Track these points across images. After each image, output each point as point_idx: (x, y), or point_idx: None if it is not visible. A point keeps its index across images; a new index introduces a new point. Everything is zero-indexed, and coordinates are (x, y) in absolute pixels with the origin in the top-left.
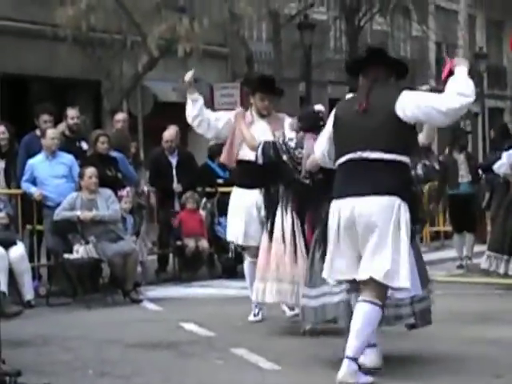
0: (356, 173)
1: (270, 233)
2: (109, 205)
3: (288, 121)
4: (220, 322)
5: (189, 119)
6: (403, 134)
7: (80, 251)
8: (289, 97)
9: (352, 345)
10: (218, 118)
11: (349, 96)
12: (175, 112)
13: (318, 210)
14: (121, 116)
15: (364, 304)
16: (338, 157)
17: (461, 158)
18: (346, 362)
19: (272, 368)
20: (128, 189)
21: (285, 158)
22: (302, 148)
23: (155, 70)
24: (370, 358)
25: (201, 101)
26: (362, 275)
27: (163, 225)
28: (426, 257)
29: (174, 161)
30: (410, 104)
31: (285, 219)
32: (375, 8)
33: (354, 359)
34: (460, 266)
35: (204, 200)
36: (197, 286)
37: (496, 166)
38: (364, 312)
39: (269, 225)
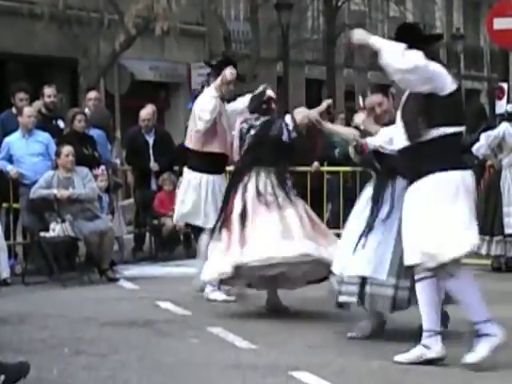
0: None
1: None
2: (85, 183)
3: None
4: (196, 301)
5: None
6: None
7: (56, 229)
8: (266, 77)
9: None
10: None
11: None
12: (152, 91)
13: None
14: (92, 94)
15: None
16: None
17: None
18: None
19: (248, 347)
20: (103, 167)
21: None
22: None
23: (132, 49)
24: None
25: None
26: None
27: (140, 204)
28: None
29: (150, 140)
30: None
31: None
32: None
33: None
34: None
35: (181, 179)
36: (173, 266)
37: (475, 148)
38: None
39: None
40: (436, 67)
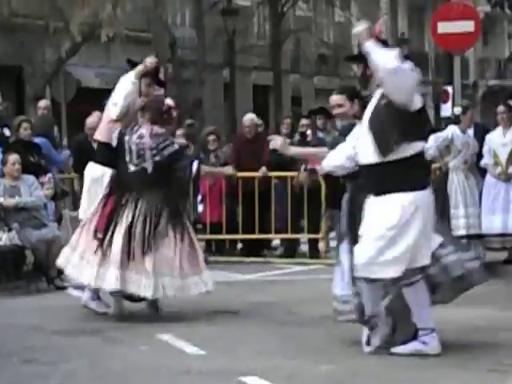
0: None
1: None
2: (32, 191)
3: None
4: (145, 307)
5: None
6: None
7: (3, 238)
8: (213, 83)
9: None
10: None
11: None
12: (98, 98)
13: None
14: (43, 103)
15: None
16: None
17: None
18: None
19: (197, 353)
20: (50, 175)
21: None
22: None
23: (78, 56)
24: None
25: None
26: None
27: None
28: None
29: None
30: None
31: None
32: None
33: None
34: None
35: None
36: None
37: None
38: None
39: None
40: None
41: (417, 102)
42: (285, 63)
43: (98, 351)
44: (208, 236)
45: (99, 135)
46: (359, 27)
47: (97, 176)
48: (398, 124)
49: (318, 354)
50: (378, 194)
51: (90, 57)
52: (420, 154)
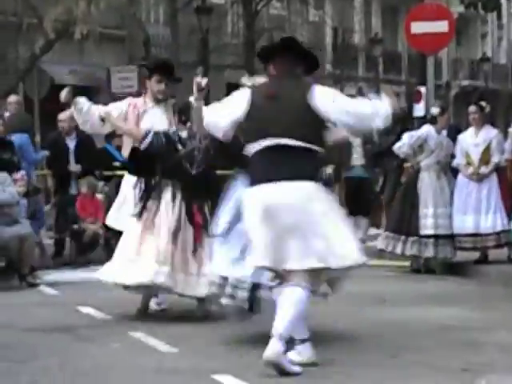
0: (276, 159)
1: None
2: (4, 188)
3: None
4: (117, 305)
5: (80, 126)
6: (318, 125)
7: None
8: (186, 81)
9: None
10: (108, 112)
11: (260, 81)
12: (72, 95)
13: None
14: (13, 98)
15: (294, 288)
16: (253, 142)
17: (357, 141)
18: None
19: (169, 351)
20: (23, 172)
21: (179, 147)
22: (194, 138)
23: (52, 53)
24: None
25: (85, 105)
26: (293, 265)
27: (60, 208)
28: None
29: (71, 144)
30: (336, 109)
31: (163, 207)
32: None
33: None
34: None
35: (102, 183)
36: (93, 270)
37: (396, 146)
38: (294, 295)
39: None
40: None
41: None
42: (258, 62)
43: (69, 349)
44: None
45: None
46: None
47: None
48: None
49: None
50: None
51: (64, 54)
52: None
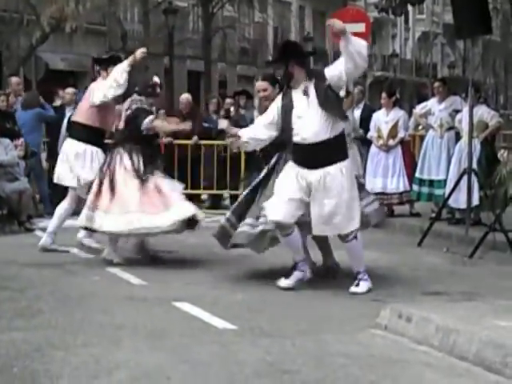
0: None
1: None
2: (7, 151)
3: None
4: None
5: None
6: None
7: None
8: (155, 68)
9: None
10: None
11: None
12: (63, 78)
13: None
14: (15, 79)
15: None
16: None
17: None
18: None
19: (140, 283)
20: (22, 139)
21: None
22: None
23: (47, 44)
24: None
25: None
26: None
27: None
28: None
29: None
30: (338, 65)
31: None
32: None
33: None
34: None
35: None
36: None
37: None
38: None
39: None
40: None
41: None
42: (214, 54)
43: (59, 280)
44: None
45: (80, 117)
46: (341, 24)
47: (81, 150)
48: (340, 105)
49: (235, 285)
50: (323, 165)
51: (57, 44)
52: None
